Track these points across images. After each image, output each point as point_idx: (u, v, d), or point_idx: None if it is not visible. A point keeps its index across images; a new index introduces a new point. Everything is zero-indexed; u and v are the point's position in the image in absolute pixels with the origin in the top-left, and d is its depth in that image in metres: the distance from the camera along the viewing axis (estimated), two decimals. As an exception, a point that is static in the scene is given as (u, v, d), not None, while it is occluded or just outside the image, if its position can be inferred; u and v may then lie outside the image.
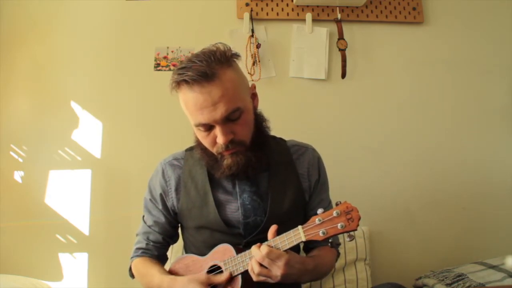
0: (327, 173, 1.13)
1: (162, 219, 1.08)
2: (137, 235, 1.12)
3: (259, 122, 1.01)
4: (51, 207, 1.60)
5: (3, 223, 1.56)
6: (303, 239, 0.82)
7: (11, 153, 1.62)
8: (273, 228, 0.87)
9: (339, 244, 1.13)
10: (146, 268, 1.04)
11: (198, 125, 0.91)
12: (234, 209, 1.00)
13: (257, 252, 0.83)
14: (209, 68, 0.86)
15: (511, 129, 1.78)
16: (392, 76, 1.77)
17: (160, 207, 1.07)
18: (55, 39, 1.69)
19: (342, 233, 0.80)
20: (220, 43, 0.93)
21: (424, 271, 1.47)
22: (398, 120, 1.75)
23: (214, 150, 0.95)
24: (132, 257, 1.10)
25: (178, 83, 0.89)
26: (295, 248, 1.04)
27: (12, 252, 1.56)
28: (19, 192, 1.60)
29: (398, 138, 1.73)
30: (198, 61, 0.87)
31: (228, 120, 0.89)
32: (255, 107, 1.00)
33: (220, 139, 0.89)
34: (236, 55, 0.94)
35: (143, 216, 1.12)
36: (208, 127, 0.90)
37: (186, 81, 0.86)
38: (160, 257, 1.10)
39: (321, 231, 0.80)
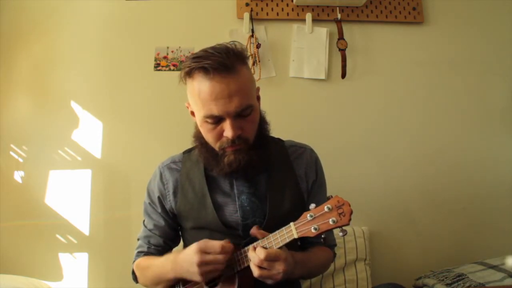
0: (327, 173, 1.12)
1: (162, 222, 1.07)
2: (138, 239, 1.11)
3: (261, 123, 1.01)
4: (51, 207, 1.60)
5: (3, 223, 1.56)
6: (296, 236, 0.81)
7: (11, 153, 1.62)
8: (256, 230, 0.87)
9: (335, 245, 1.12)
10: (149, 260, 1.03)
11: (207, 117, 0.89)
12: (233, 211, 0.99)
13: (254, 255, 0.82)
14: (229, 60, 0.86)
15: (511, 129, 1.78)
16: (392, 76, 1.76)
17: (159, 210, 1.07)
18: (55, 39, 1.69)
19: (334, 228, 0.79)
20: (237, 42, 0.94)
21: (424, 271, 1.47)
22: (398, 120, 1.75)
23: (217, 145, 0.94)
24: (134, 261, 1.09)
25: (192, 71, 0.88)
26: (294, 247, 1.03)
27: (12, 252, 1.56)
28: (19, 192, 1.60)
29: (398, 138, 1.73)
30: (217, 52, 0.87)
31: (239, 115, 0.89)
32: None
33: (229, 133, 0.89)
34: (248, 57, 0.96)
35: (144, 221, 1.12)
36: (217, 120, 0.90)
37: (205, 69, 0.86)
38: None
39: (313, 227, 0.80)
